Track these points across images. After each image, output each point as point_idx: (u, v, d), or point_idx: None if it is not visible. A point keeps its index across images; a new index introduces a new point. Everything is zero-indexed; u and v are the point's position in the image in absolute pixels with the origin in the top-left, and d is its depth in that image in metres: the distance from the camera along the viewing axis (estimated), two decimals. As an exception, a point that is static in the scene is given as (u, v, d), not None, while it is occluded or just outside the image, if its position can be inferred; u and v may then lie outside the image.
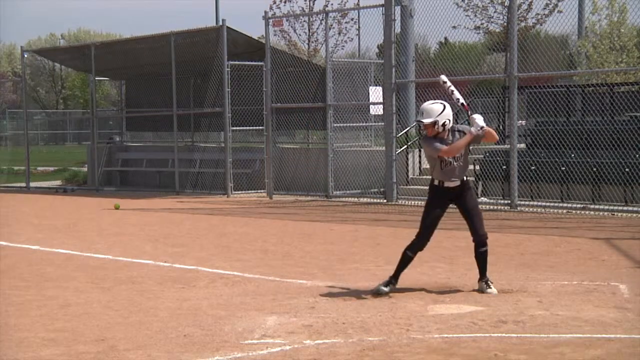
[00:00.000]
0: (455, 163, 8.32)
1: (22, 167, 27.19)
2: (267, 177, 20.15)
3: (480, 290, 8.35)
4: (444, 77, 8.71)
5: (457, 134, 8.35)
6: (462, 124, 8.49)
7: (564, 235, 12.58)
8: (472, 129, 8.25)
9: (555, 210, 15.55)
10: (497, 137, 8.58)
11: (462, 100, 8.52)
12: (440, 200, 8.45)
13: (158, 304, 8.30)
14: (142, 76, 25.89)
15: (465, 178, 8.46)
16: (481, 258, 8.46)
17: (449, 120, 8.27)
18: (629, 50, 23.87)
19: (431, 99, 8.83)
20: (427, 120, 8.23)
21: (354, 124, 21.09)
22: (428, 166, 20.07)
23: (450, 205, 8.55)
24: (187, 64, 22.18)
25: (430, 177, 8.60)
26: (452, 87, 8.59)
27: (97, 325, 7.43)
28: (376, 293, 8.33)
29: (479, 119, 8.27)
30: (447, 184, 8.40)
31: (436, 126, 8.23)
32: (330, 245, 12.26)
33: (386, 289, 8.36)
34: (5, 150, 37.22)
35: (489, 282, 8.40)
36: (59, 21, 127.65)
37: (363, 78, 20.83)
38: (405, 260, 8.51)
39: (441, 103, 8.33)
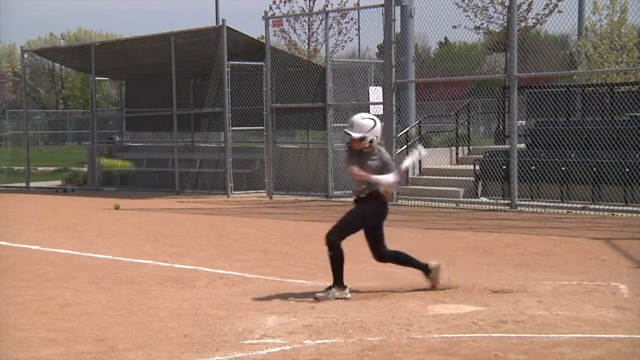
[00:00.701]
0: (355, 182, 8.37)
1: (22, 167, 27.18)
2: (267, 177, 20.15)
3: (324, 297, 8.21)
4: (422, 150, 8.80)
5: (379, 154, 8.25)
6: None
7: (564, 235, 12.58)
8: (383, 180, 8.19)
9: (555, 210, 15.55)
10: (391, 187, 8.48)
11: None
12: None
13: (158, 304, 8.30)
14: (142, 76, 25.89)
15: (367, 195, 8.31)
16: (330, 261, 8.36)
17: (377, 137, 8.23)
18: (629, 50, 23.90)
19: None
20: (355, 135, 8.16)
21: (354, 124, 21.03)
22: (428, 166, 20.13)
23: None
24: (187, 64, 22.17)
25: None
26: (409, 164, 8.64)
27: (97, 325, 7.43)
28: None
29: (390, 177, 8.24)
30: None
31: (364, 142, 8.18)
32: (330, 245, 12.23)
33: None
34: (5, 150, 37.18)
35: (334, 288, 8.24)
36: (59, 21, 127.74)
37: (363, 78, 20.83)
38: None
39: (372, 119, 8.26)
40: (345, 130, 8.31)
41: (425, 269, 8.53)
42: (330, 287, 8.27)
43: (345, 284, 8.28)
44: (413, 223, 14.37)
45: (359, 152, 8.24)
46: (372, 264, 10.40)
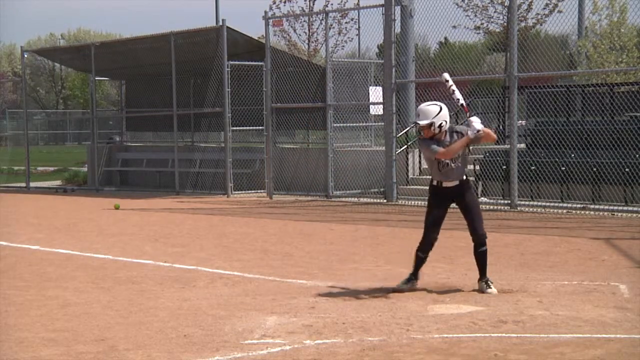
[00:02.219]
0: (452, 164, 8.37)
1: (22, 167, 27.18)
2: (267, 177, 20.15)
3: (480, 290, 8.36)
4: (446, 76, 8.74)
5: (455, 135, 8.38)
6: (461, 123, 8.59)
7: (564, 235, 12.58)
8: (469, 132, 8.27)
9: (555, 210, 15.55)
10: (495, 137, 8.63)
11: (462, 101, 8.57)
12: (439, 200, 8.52)
13: (158, 304, 8.30)
14: (142, 76, 25.89)
15: (465, 177, 8.50)
16: (480, 258, 8.50)
17: (446, 122, 8.31)
18: (629, 50, 23.89)
19: (431, 99, 8.88)
20: (423, 122, 8.27)
21: (354, 124, 21.08)
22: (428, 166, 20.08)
23: (452, 205, 8.58)
24: (187, 64, 22.17)
25: (430, 177, 8.65)
26: (454, 87, 8.62)
27: (97, 325, 7.43)
28: (397, 290, 8.50)
29: (476, 122, 8.29)
30: (445, 184, 8.46)
31: (432, 127, 8.27)
32: (330, 245, 12.26)
33: (406, 286, 8.56)
34: (5, 150, 37.19)
35: (489, 282, 8.43)
36: (59, 21, 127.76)
37: (363, 78, 20.82)
38: (418, 261, 8.66)
39: (438, 105, 8.37)
40: (414, 120, 8.48)
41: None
42: (486, 282, 8.40)
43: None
44: (413, 223, 14.35)
45: (432, 141, 8.34)
46: (379, 264, 10.43)
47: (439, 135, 8.31)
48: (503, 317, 7.28)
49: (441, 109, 8.31)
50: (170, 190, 22.18)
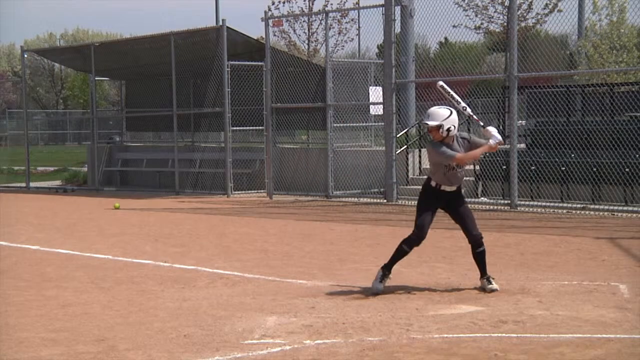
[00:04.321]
0: (458, 170, 8.38)
1: (22, 167, 27.20)
2: (267, 177, 20.15)
3: (482, 288, 8.37)
4: (442, 84, 8.78)
5: (461, 140, 8.39)
6: (464, 131, 8.71)
7: (564, 235, 12.58)
8: (491, 142, 8.34)
9: (555, 210, 15.55)
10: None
11: (469, 110, 8.58)
12: (434, 201, 8.52)
13: (158, 304, 8.30)
14: (142, 76, 25.90)
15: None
16: (479, 258, 8.52)
17: (454, 127, 8.28)
18: (629, 50, 23.90)
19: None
20: (432, 123, 8.25)
21: (354, 124, 21.09)
22: (428, 166, 20.08)
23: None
24: (187, 64, 22.17)
25: (428, 177, 8.61)
26: (455, 96, 8.67)
27: (97, 325, 7.43)
28: (375, 293, 8.37)
29: (494, 131, 8.39)
30: (444, 188, 8.46)
31: (441, 130, 8.24)
32: (330, 245, 12.25)
33: (381, 286, 8.44)
34: (5, 150, 37.23)
35: (490, 278, 8.46)
36: (59, 21, 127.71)
37: (363, 78, 20.82)
38: (401, 255, 8.56)
39: (448, 108, 8.36)
40: (423, 121, 8.47)
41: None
42: (487, 278, 8.41)
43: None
44: (413, 223, 14.33)
45: (443, 144, 8.31)
46: (379, 264, 10.41)
47: (447, 140, 8.29)
48: (503, 317, 7.28)
49: (451, 112, 8.30)
50: (170, 190, 22.18)
